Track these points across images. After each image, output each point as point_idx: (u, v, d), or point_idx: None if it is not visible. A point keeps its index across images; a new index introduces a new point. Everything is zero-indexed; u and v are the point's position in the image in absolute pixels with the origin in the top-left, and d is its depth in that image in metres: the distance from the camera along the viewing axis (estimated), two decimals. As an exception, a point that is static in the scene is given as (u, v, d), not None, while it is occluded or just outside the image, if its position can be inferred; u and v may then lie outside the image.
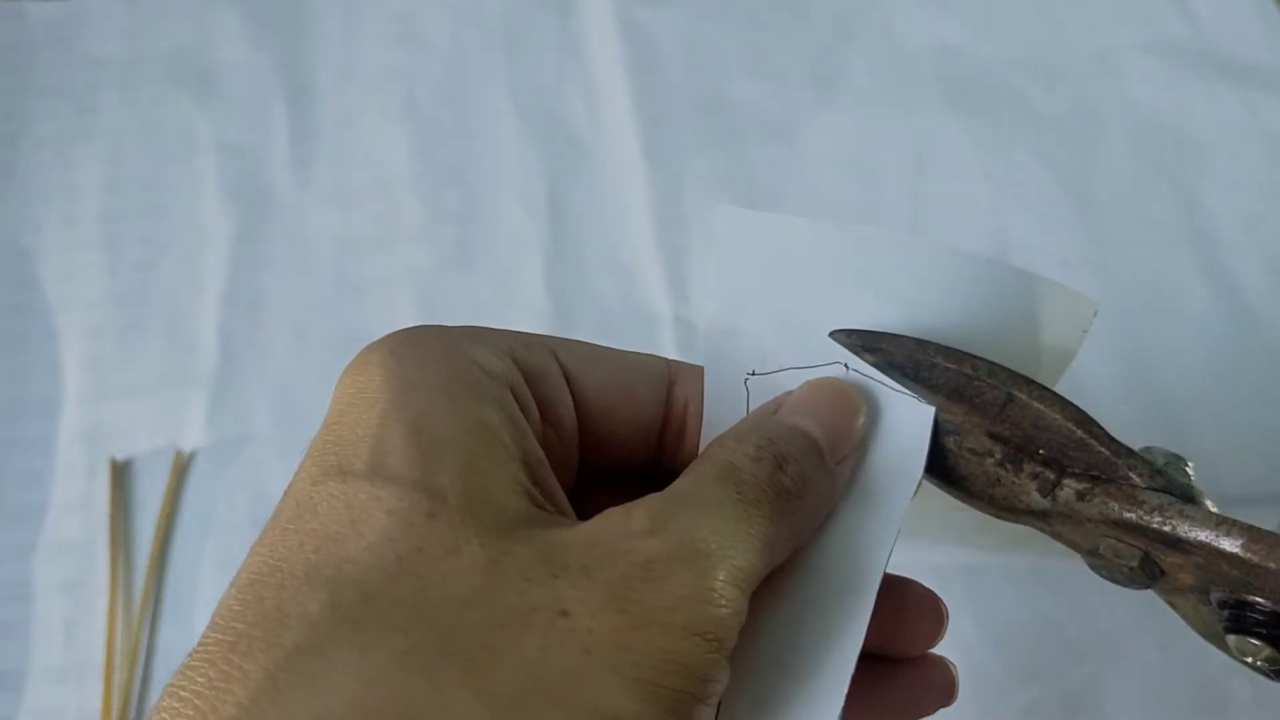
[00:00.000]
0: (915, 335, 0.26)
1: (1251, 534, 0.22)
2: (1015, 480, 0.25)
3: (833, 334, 0.26)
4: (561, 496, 0.23)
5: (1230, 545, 0.22)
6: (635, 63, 0.65)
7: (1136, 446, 0.25)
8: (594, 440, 0.26)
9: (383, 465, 0.20)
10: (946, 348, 0.25)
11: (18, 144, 0.61)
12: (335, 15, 0.67)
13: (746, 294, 0.27)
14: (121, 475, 0.50)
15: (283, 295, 0.56)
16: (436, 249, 0.58)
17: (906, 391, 0.25)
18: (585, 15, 0.67)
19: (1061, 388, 0.26)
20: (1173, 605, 0.25)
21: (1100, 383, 0.53)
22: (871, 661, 0.25)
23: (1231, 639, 0.23)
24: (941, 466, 0.26)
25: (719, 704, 0.21)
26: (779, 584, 0.24)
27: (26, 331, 0.55)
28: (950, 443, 0.25)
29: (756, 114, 0.64)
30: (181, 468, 0.51)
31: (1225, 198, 0.60)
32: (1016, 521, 0.25)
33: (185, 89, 0.63)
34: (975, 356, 0.25)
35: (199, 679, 0.18)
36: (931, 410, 0.25)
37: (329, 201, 0.60)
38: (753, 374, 0.27)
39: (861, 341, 0.26)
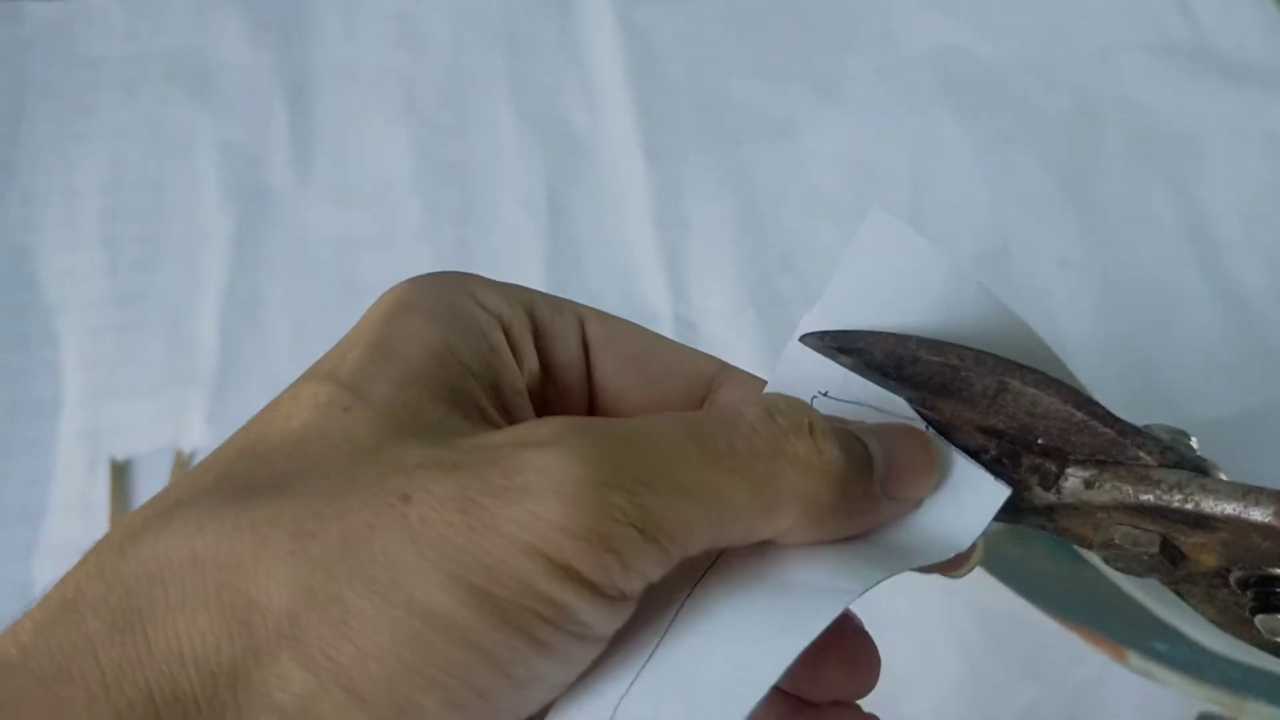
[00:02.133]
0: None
1: None
2: (1014, 477, 0.23)
3: (803, 338, 0.24)
4: None
5: (1261, 515, 0.20)
6: (635, 62, 0.65)
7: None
8: (608, 415, 0.25)
9: (335, 370, 0.21)
10: (929, 340, 0.23)
11: (17, 144, 0.61)
12: (335, 15, 0.67)
13: (858, 310, 0.24)
14: (121, 475, 0.50)
15: (283, 295, 0.56)
16: (436, 249, 0.58)
17: (981, 468, 0.23)
18: (585, 15, 0.67)
19: None
20: (1182, 594, 0.23)
21: (1100, 382, 0.53)
22: (781, 696, 0.24)
23: (1260, 619, 0.21)
24: None
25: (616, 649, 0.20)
26: (731, 573, 0.22)
27: (26, 331, 0.55)
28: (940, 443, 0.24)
29: (756, 114, 0.64)
30: (181, 468, 0.51)
31: (1225, 198, 0.60)
32: (1018, 523, 0.24)
33: (185, 89, 0.63)
34: (961, 345, 0.23)
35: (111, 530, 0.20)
36: (1006, 492, 0.23)
37: (329, 201, 0.60)
38: (824, 394, 0.24)
39: (835, 343, 0.24)
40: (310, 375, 0.22)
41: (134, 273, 0.57)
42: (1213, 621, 0.23)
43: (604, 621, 0.19)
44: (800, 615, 0.20)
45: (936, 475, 0.23)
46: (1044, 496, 0.23)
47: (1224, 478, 0.22)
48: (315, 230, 0.59)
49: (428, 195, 0.60)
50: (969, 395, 0.23)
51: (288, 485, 0.19)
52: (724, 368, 0.26)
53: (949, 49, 0.66)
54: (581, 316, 0.25)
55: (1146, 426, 0.23)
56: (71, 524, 0.49)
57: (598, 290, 0.57)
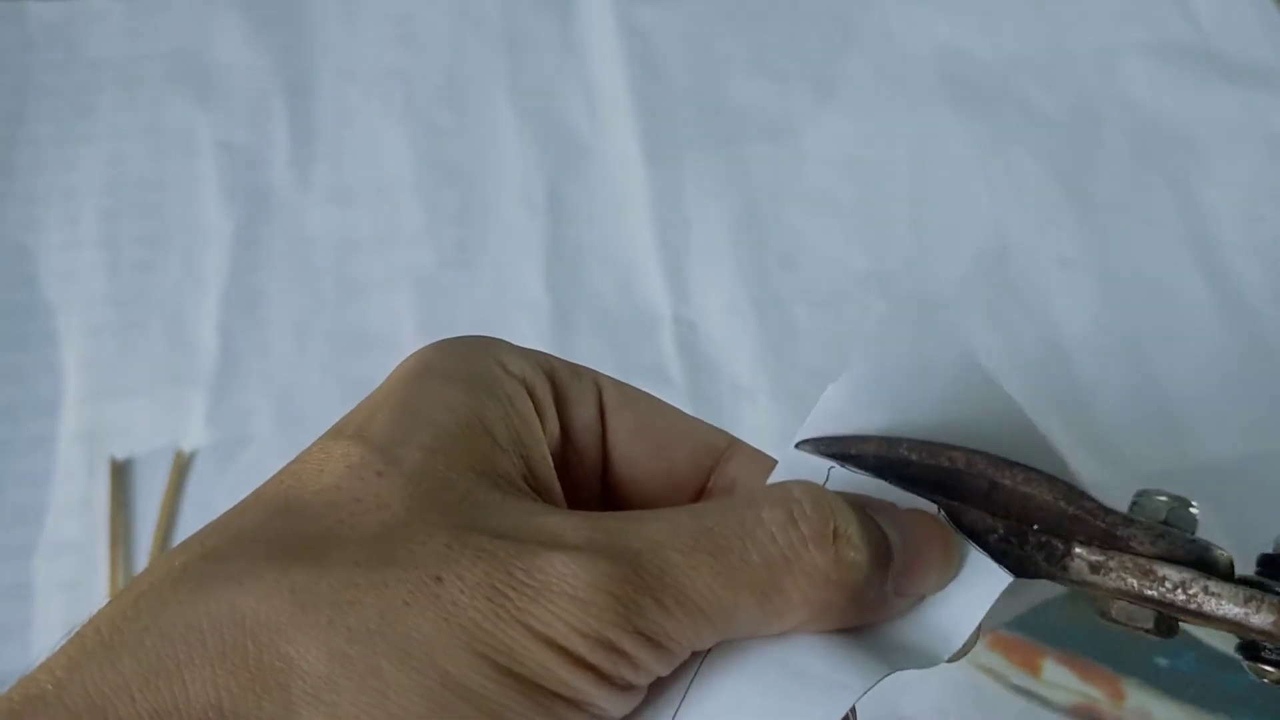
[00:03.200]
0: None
1: None
2: (1021, 553, 0.24)
3: (799, 444, 0.25)
4: (561, 501, 0.24)
5: (1262, 622, 0.22)
6: (635, 63, 0.65)
7: (1137, 477, 0.24)
8: (620, 482, 0.26)
9: (365, 430, 0.22)
10: (918, 441, 0.24)
11: (18, 144, 0.61)
12: (335, 15, 0.67)
13: (885, 394, 0.25)
14: (121, 475, 0.50)
15: (283, 295, 0.56)
16: (436, 249, 0.58)
17: (984, 554, 0.23)
18: (585, 15, 0.67)
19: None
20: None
21: (1100, 382, 0.53)
22: None
23: (1245, 662, 0.23)
24: None
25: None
26: (738, 651, 0.22)
27: (26, 331, 0.55)
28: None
29: (756, 114, 0.64)
30: (182, 467, 0.51)
31: (1225, 198, 0.60)
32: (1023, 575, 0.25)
33: (185, 89, 0.63)
34: (951, 446, 0.24)
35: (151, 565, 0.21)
36: (1009, 579, 0.23)
37: (329, 201, 0.60)
38: (838, 467, 0.25)
39: (829, 449, 0.25)
40: (338, 433, 0.22)
41: (134, 272, 0.57)
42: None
43: (615, 706, 0.20)
44: (806, 713, 0.21)
45: (954, 571, 0.23)
46: (1049, 570, 0.24)
47: (1223, 555, 0.23)
48: (315, 230, 0.59)
49: (428, 195, 0.60)
50: (962, 492, 0.24)
51: (325, 551, 0.19)
52: (734, 443, 0.26)
53: (949, 49, 0.66)
54: (599, 383, 0.26)
55: (1144, 492, 0.24)
56: (72, 524, 0.49)
57: (598, 290, 0.57)
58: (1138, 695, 0.46)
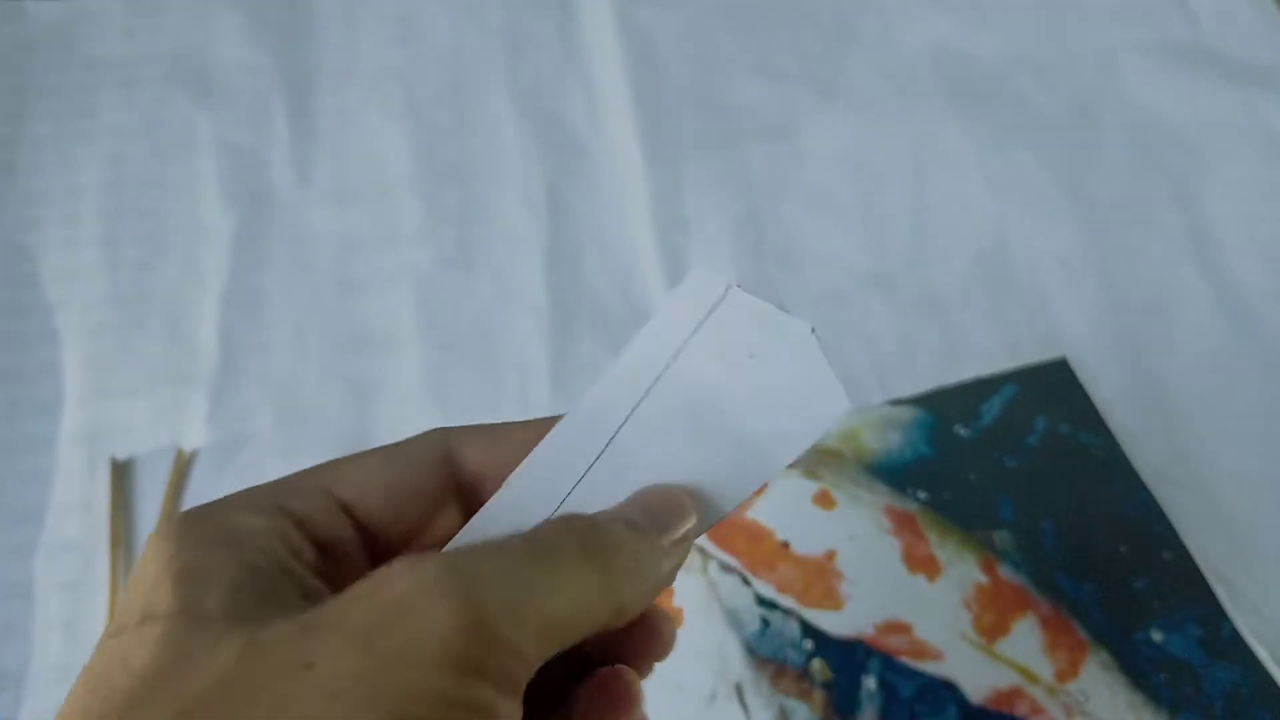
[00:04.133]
0: None
1: None
2: None
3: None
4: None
5: None
6: (635, 63, 0.65)
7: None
8: (398, 548, 0.25)
9: (152, 611, 0.20)
10: None
11: (18, 144, 0.61)
12: (335, 15, 0.67)
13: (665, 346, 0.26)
14: (121, 475, 0.50)
15: (283, 295, 0.56)
16: (436, 249, 0.58)
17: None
18: (585, 15, 0.67)
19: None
20: None
21: (1100, 382, 0.53)
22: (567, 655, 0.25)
23: None
24: None
25: None
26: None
27: (26, 331, 0.55)
28: None
29: (756, 114, 0.64)
30: (182, 467, 0.51)
31: (1225, 198, 0.60)
32: None
33: (185, 89, 0.64)
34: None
35: None
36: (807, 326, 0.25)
37: (329, 201, 0.60)
38: (737, 288, 0.26)
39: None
40: (123, 629, 0.21)
41: (134, 272, 0.57)
42: None
43: (515, 712, 0.20)
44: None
45: (692, 519, 0.25)
46: None
47: None
48: (315, 230, 0.59)
49: (428, 195, 0.60)
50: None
51: (181, 704, 0.19)
52: (451, 433, 0.26)
53: (949, 49, 0.66)
54: (328, 486, 0.25)
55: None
56: (72, 523, 0.49)
57: (597, 290, 0.57)
58: (1094, 675, 0.46)
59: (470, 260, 0.58)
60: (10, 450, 0.51)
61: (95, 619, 0.47)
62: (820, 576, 0.47)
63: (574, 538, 0.22)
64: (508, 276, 0.57)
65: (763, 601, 0.47)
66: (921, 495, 0.50)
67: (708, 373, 0.25)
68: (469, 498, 0.26)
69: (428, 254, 0.58)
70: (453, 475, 0.26)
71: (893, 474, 0.50)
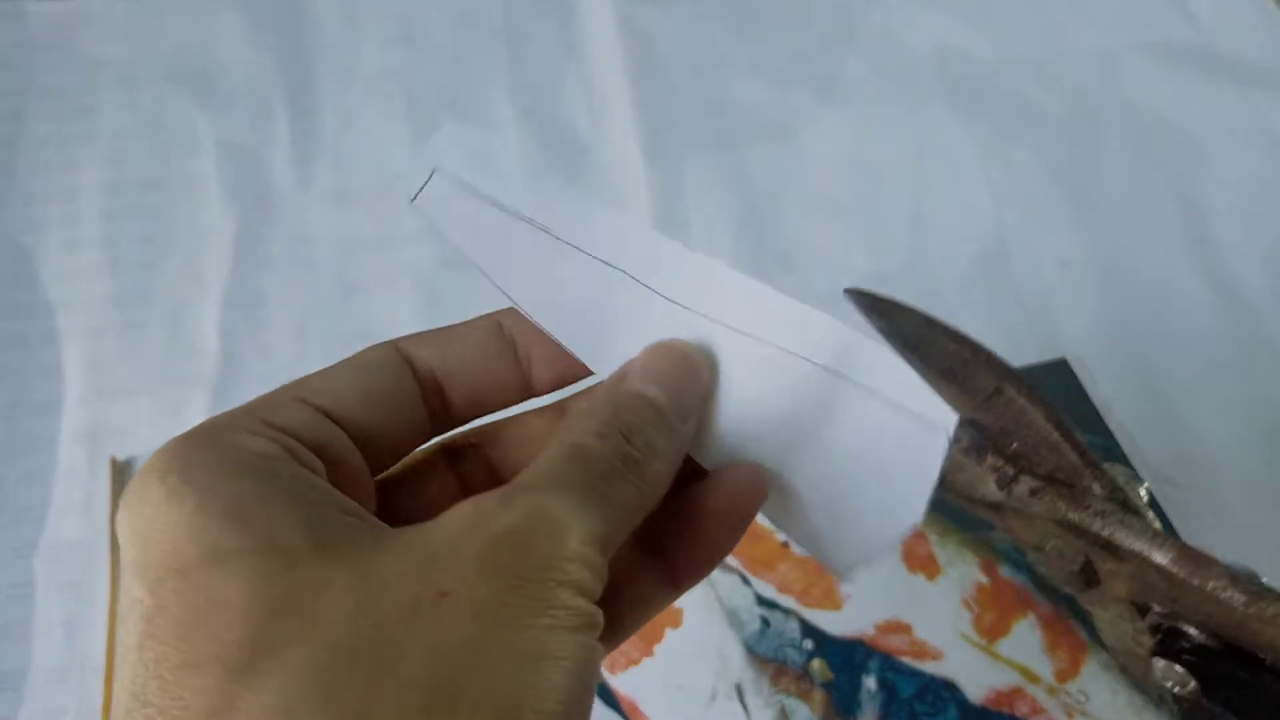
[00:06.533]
0: None
1: (1182, 551, 0.23)
2: (977, 468, 0.26)
3: (847, 291, 0.27)
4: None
5: (1161, 558, 0.23)
6: (635, 63, 0.65)
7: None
8: (386, 451, 0.26)
9: (217, 551, 0.19)
10: (951, 329, 0.26)
11: (18, 144, 0.61)
12: (335, 15, 0.67)
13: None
14: (122, 475, 0.50)
15: (283, 295, 0.56)
16: (436, 249, 0.58)
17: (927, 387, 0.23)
18: (585, 15, 0.67)
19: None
20: (1092, 614, 0.26)
21: (1100, 382, 0.53)
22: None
23: (1159, 663, 0.24)
24: None
25: None
26: None
27: (27, 331, 0.55)
28: None
29: (756, 114, 0.64)
30: (182, 467, 0.51)
31: (1225, 198, 0.60)
32: (973, 511, 0.26)
33: (185, 89, 0.64)
34: (977, 343, 0.26)
35: None
36: (954, 419, 0.23)
37: (329, 201, 0.60)
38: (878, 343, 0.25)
39: (874, 306, 0.27)
40: (184, 570, 0.19)
41: (135, 272, 0.57)
42: (1110, 646, 0.27)
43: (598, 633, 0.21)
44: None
45: (704, 373, 0.26)
46: (996, 493, 0.26)
47: (1154, 523, 0.25)
48: (315, 230, 0.59)
49: (428, 195, 0.60)
50: (970, 387, 0.26)
51: (316, 638, 0.18)
52: (504, 316, 0.29)
53: (949, 49, 0.66)
54: (305, 400, 0.24)
55: (1110, 466, 0.26)
56: (72, 524, 0.49)
57: (598, 290, 0.57)
58: (1094, 675, 0.45)
59: (470, 260, 0.58)
60: (10, 450, 0.51)
61: (95, 619, 0.47)
62: (820, 576, 0.47)
63: (618, 465, 0.23)
64: (508, 276, 0.57)
65: (763, 601, 0.47)
66: (921, 495, 0.50)
67: (814, 389, 0.25)
68: (431, 400, 0.27)
69: (428, 254, 0.58)
70: (413, 376, 0.27)
71: (893, 474, 0.50)
